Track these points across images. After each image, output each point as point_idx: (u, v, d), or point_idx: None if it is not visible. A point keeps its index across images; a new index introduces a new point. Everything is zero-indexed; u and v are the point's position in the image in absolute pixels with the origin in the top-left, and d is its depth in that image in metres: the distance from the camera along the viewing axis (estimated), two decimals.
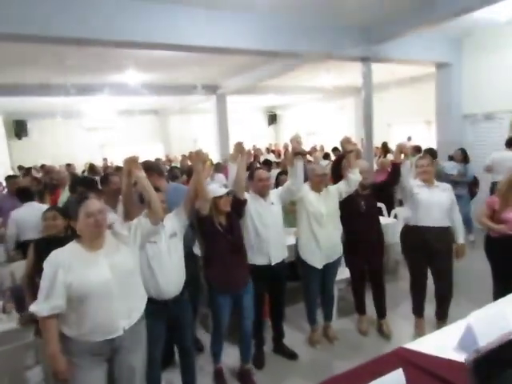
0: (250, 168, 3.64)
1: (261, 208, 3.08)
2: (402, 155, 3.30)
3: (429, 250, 3.26)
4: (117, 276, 2.06)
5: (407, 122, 10.57)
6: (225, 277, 2.75)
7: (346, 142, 3.27)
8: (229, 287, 2.78)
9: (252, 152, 10.94)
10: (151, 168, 2.86)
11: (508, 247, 3.12)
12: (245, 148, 3.01)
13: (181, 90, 9.30)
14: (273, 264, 3.09)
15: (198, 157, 2.65)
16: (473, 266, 4.29)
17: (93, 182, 3.62)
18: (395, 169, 3.31)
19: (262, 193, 3.11)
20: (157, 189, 2.44)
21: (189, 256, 2.83)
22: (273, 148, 14.53)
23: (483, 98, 6.60)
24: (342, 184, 3.34)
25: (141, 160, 2.41)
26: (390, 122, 11.28)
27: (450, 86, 6.85)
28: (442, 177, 5.16)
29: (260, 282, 3.08)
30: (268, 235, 3.05)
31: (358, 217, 3.39)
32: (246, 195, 3.08)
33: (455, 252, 3.32)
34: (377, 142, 8.93)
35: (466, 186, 5.70)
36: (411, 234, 3.33)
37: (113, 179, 3.22)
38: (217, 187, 2.82)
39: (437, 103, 7.10)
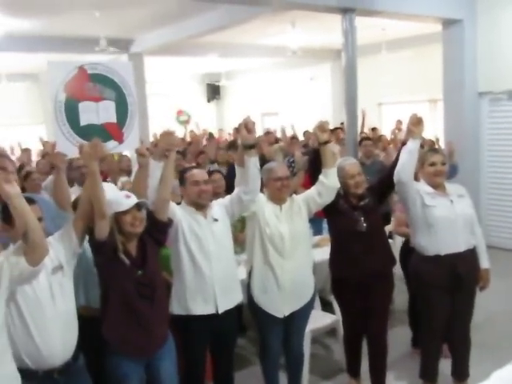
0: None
1: (199, 228, 3.05)
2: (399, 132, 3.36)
3: (455, 284, 3.36)
4: None
5: (405, 100, 11.00)
6: (128, 333, 2.68)
7: (320, 129, 3.31)
8: (134, 349, 2.70)
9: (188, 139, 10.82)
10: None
11: None
12: (178, 140, 2.96)
13: (74, 45, 9.05)
14: (220, 313, 3.07)
15: (95, 151, 2.56)
16: (491, 301, 4.54)
17: None
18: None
19: (200, 204, 3.08)
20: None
21: None
22: (214, 134, 14.49)
23: (507, 70, 7.01)
24: (311, 192, 3.36)
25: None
26: (382, 100, 11.68)
27: (462, 51, 7.20)
28: None
29: (200, 339, 3.06)
30: (212, 269, 3.04)
31: (356, 241, 3.42)
32: (176, 208, 3.04)
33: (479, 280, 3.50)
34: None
35: None
36: (430, 268, 3.37)
37: None
38: (121, 196, 2.72)
39: (444, 75, 7.45)
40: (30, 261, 2.18)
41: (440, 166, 3.38)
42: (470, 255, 3.41)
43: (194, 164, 5.89)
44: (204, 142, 9.50)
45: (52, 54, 9.42)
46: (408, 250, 3.79)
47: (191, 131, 12.79)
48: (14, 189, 2.11)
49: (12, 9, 6.77)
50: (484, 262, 3.49)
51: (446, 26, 7.28)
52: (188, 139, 10.69)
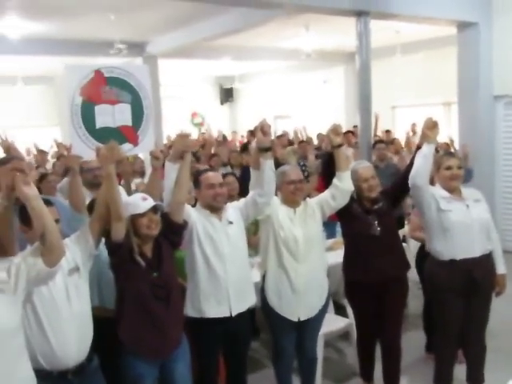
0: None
1: (213, 230, 3.06)
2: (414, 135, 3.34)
3: (471, 289, 3.33)
4: None
5: (419, 103, 10.94)
6: (143, 335, 2.70)
7: (333, 132, 3.31)
8: (149, 350, 2.71)
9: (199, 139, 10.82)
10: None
11: None
12: (193, 142, 2.97)
13: (89, 48, 9.13)
14: (233, 315, 3.07)
15: (111, 153, 2.58)
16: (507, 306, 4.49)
17: None
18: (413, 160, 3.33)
19: (215, 206, 3.09)
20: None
21: None
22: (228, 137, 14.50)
23: None
24: (325, 195, 3.36)
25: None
26: (395, 103, 11.63)
27: (478, 54, 7.15)
28: None
29: (213, 342, 3.06)
30: (226, 272, 3.04)
31: (370, 244, 3.41)
32: (191, 210, 3.05)
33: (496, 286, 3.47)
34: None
35: None
36: (446, 272, 3.35)
37: None
38: (138, 199, 2.74)
39: (459, 78, 7.39)
40: (47, 262, 2.18)
41: (456, 170, 3.36)
42: (486, 260, 3.37)
43: (207, 166, 5.89)
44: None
45: (67, 57, 9.52)
46: (424, 254, 3.75)
47: (203, 133, 12.88)
48: (32, 190, 2.13)
49: (29, 12, 6.84)
50: (500, 267, 3.46)
51: (461, 28, 7.22)
52: (201, 141, 10.71)
